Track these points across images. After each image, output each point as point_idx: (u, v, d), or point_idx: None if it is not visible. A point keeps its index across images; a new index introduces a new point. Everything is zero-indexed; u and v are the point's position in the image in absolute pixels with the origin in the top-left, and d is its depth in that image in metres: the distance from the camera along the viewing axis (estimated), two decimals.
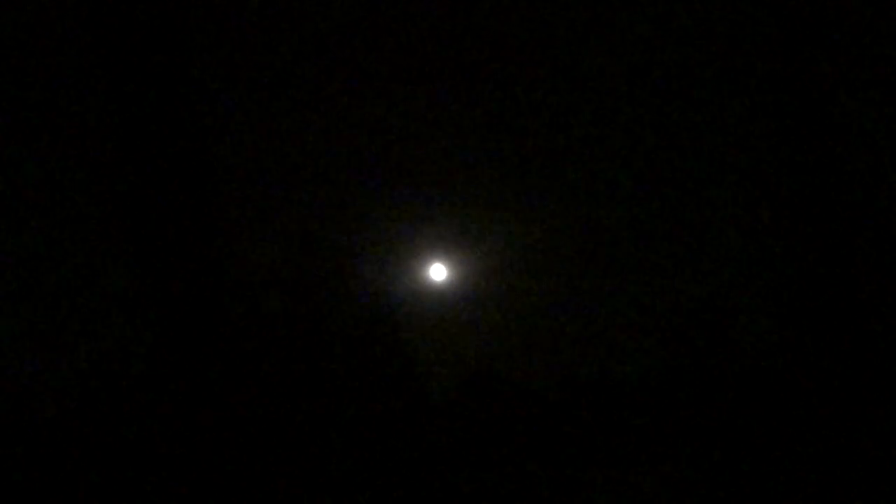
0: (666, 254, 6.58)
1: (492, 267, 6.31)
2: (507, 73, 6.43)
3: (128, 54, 5.48)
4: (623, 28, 6.60)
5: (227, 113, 5.70)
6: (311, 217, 5.87)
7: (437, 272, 6.08)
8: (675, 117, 6.60)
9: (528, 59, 6.46)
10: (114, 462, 5.57)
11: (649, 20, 6.56)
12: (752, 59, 6.30)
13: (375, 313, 5.75)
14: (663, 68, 6.65)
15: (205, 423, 5.30)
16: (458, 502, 5.91)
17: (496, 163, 6.40)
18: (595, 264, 6.59)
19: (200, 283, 5.41)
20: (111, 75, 5.53)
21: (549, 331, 6.33)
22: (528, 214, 6.41)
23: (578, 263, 6.51)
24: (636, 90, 6.61)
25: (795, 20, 6.23)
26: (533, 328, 6.30)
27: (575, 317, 6.38)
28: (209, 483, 5.27)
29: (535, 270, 6.38)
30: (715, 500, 6.21)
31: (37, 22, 5.73)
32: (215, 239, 5.47)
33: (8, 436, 5.60)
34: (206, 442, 5.27)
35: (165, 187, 5.41)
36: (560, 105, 6.59)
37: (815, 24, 6.19)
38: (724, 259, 6.62)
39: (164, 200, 5.41)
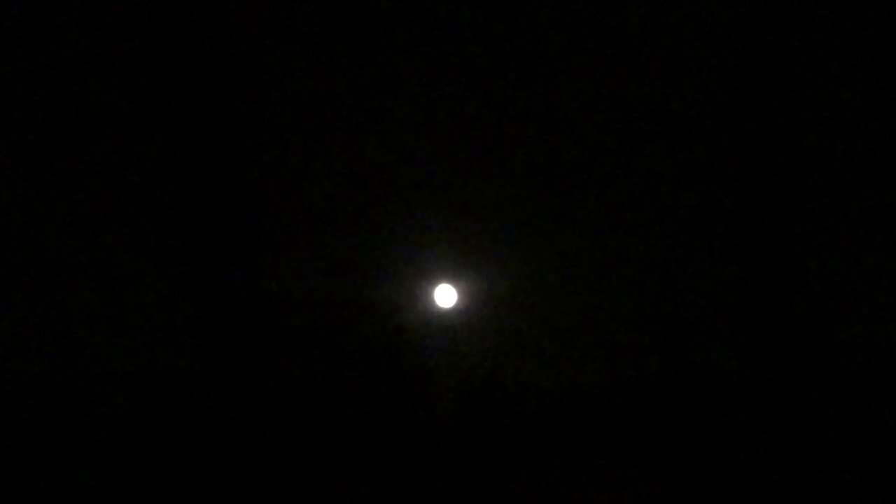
0: (661, 275, 6.88)
1: (500, 291, 6.44)
2: (521, 109, 6.82)
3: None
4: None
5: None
6: (329, 240, 6.33)
7: (446, 295, 6.28)
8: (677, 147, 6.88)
9: (545, 92, 6.82)
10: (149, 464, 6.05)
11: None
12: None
13: (387, 329, 6.20)
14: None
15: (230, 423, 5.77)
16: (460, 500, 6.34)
17: (507, 183, 6.81)
18: (598, 286, 6.95)
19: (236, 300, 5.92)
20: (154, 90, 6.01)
21: (551, 354, 6.51)
22: (538, 237, 6.54)
23: (582, 285, 6.86)
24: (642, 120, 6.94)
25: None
26: (536, 350, 6.49)
27: (575, 337, 6.67)
28: (225, 484, 5.72)
29: (542, 293, 6.54)
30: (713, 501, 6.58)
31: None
32: (250, 262, 5.97)
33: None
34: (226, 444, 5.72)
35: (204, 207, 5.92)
36: (567, 138, 6.96)
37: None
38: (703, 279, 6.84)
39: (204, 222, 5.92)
